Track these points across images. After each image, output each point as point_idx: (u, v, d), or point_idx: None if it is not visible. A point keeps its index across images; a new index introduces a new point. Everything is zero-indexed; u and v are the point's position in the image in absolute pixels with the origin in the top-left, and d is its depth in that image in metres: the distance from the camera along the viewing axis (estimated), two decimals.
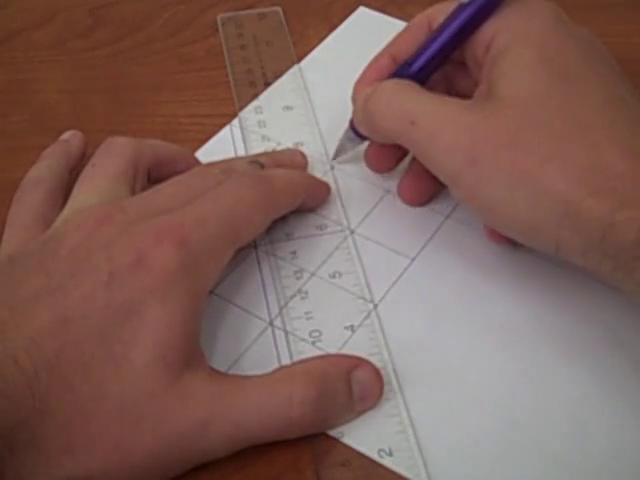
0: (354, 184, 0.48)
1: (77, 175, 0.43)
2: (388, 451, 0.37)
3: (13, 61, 0.57)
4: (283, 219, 0.45)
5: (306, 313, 0.42)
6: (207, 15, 0.60)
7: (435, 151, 0.41)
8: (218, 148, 0.50)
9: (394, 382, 0.39)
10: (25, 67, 0.57)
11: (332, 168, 0.49)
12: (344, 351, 0.40)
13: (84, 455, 0.34)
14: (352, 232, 0.46)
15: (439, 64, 0.45)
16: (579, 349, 0.41)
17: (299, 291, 0.43)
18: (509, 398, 0.39)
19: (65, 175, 0.45)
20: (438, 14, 0.44)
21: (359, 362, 0.39)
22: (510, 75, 0.40)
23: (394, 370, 0.40)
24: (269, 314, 0.42)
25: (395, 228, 0.46)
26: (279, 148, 0.50)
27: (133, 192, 0.42)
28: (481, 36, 0.42)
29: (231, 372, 0.40)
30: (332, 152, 0.49)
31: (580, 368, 0.40)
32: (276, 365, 0.40)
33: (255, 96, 0.53)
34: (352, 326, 0.41)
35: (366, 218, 0.46)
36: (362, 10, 0.59)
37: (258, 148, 0.50)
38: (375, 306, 0.42)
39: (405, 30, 0.47)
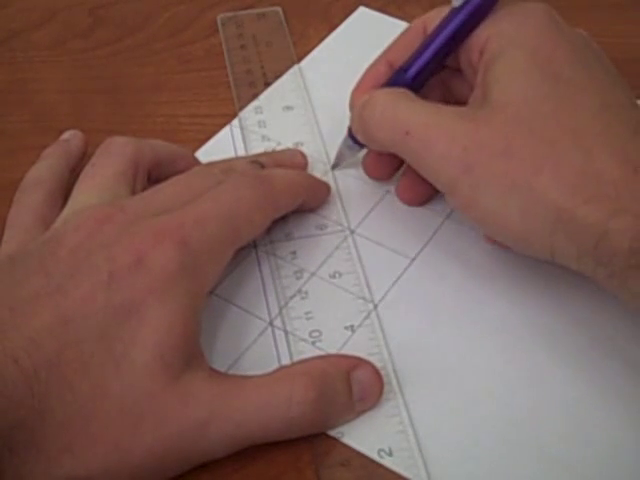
0: (354, 184, 0.48)
1: (77, 175, 0.43)
2: (388, 451, 0.37)
3: (13, 61, 0.57)
4: (283, 219, 0.45)
5: (306, 313, 0.42)
6: (207, 15, 0.60)
7: (430, 160, 0.41)
8: (218, 148, 0.50)
9: (394, 382, 0.39)
10: (25, 67, 0.57)
11: (332, 168, 0.49)
12: (344, 351, 0.40)
13: (84, 455, 0.34)
14: (352, 232, 0.46)
15: (434, 70, 0.45)
16: (577, 350, 0.41)
17: (299, 291, 0.43)
18: (508, 398, 0.39)
19: (65, 175, 0.45)
20: (434, 18, 0.44)
21: (359, 362, 0.39)
22: (503, 80, 0.40)
23: (394, 370, 0.40)
24: (269, 314, 0.42)
25: (395, 228, 0.46)
26: (279, 148, 0.50)
27: (133, 192, 0.42)
28: (475, 40, 0.42)
29: (231, 372, 0.40)
30: (332, 160, 0.49)
31: (578, 369, 0.40)
32: (276, 365, 0.40)
33: (255, 96, 0.53)
34: (352, 326, 0.41)
35: (366, 218, 0.46)
36: (362, 10, 0.59)
37: (258, 148, 0.50)
38: (375, 306, 0.42)
39: (402, 35, 0.47)
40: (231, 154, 0.50)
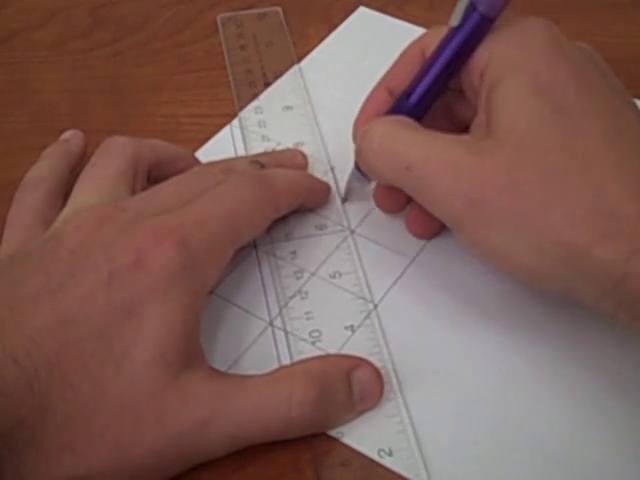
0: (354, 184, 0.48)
1: (77, 175, 0.43)
2: (388, 451, 0.37)
3: (13, 61, 0.57)
4: (283, 219, 0.45)
5: (306, 313, 0.42)
6: (207, 15, 0.60)
7: (434, 196, 0.39)
8: (218, 148, 0.50)
9: (394, 382, 0.39)
10: (25, 67, 0.57)
11: (332, 168, 0.49)
12: (344, 351, 0.40)
13: (84, 454, 0.34)
14: (352, 232, 0.46)
15: (438, 93, 0.43)
16: (579, 349, 0.41)
17: (299, 291, 0.43)
18: (509, 398, 0.39)
19: (65, 175, 0.45)
20: (431, 41, 0.43)
21: (359, 362, 0.39)
22: (504, 109, 0.38)
23: (394, 370, 0.40)
24: (269, 314, 0.42)
25: (395, 228, 0.46)
26: (279, 148, 0.50)
27: (133, 192, 0.42)
28: (475, 62, 0.41)
29: (231, 372, 0.40)
30: (341, 194, 0.47)
31: (580, 368, 0.40)
32: (276, 365, 0.40)
33: (255, 96, 0.53)
34: (352, 326, 0.41)
35: (366, 218, 0.46)
36: (362, 10, 0.59)
37: (258, 148, 0.50)
38: (375, 306, 0.42)
39: (399, 60, 0.45)
40: (231, 154, 0.50)
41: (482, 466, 0.37)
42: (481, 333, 0.41)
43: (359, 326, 0.41)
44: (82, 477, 0.34)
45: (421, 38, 0.44)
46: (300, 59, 0.56)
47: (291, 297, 0.43)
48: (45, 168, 0.45)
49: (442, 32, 0.42)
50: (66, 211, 0.41)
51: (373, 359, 0.39)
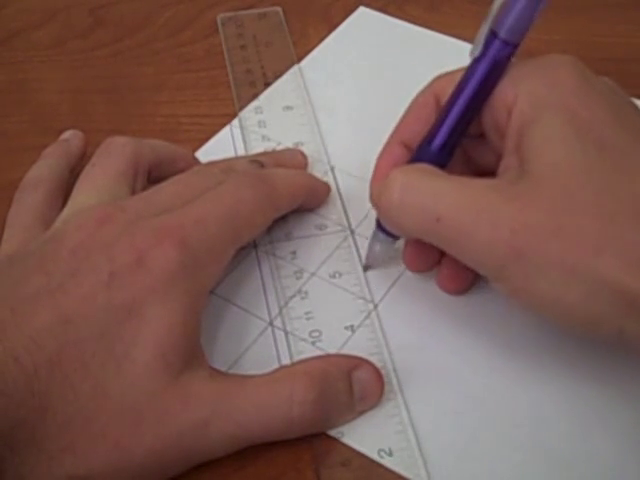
0: (354, 184, 0.48)
1: (77, 175, 0.43)
2: (388, 451, 0.37)
3: (13, 61, 0.57)
4: (283, 219, 0.45)
5: (306, 313, 0.42)
6: (207, 15, 0.60)
7: (470, 248, 0.37)
8: (218, 148, 0.50)
9: (394, 382, 0.39)
10: (25, 67, 0.57)
11: (332, 168, 0.49)
12: (344, 351, 0.40)
13: (85, 454, 0.34)
14: (352, 232, 0.46)
15: (462, 134, 0.40)
16: (580, 349, 0.40)
17: (299, 291, 0.43)
18: (509, 398, 0.39)
19: (65, 175, 0.45)
20: (445, 85, 0.41)
21: (360, 362, 0.39)
22: (543, 150, 0.36)
23: (394, 370, 0.40)
24: (269, 314, 0.42)
25: None
26: (279, 148, 0.50)
27: (133, 192, 0.42)
28: (500, 98, 0.39)
29: (231, 372, 0.40)
30: (363, 262, 0.44)
31: (581, 368, 0.40)
32: (276, 365, 0.40)
33: (255, 96, 0.53)
34: (352, 326, 0.41)
35: (366, 218, 0.46)
36: (362, 10, 0.59)
37: (258, 148, 0.50)
38: (375, 306, 0.42)
39: (410, 110, 0.43)
40: (231, 154, 0.50)
41: (482, 466, 0.37)
42: (481, 333, 0.41)
43: (359, 326, 0.41)
44: (83, 477, 0.34)
45: (432, 84, 0.42)
46: (300, 59, 0.56)
47: (291, 297, 0.43)
48: (45, 168, 0.45)
49: (455, 75, 0.40)
50: (66, 211, 0.41)
51: (373, 359, 0.39)
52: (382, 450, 0.37)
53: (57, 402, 0.34)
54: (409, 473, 0.37)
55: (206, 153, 0.49)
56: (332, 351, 0.40)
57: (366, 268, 0.44)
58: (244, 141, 0.50)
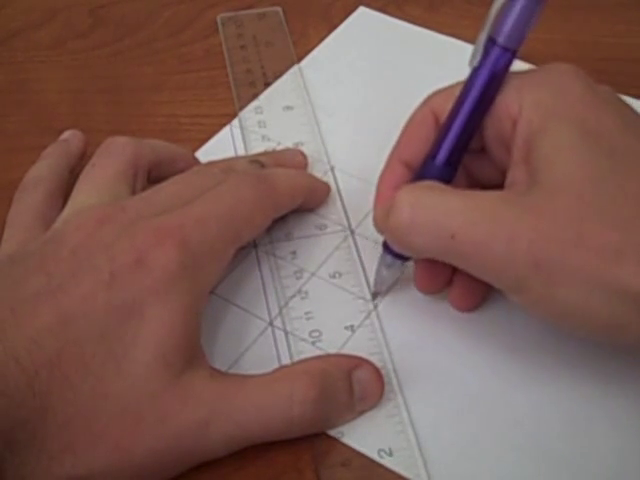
0: (354, 184, 0.48)
1: (77, 175, 0.43)
2: (388, 451, 0.37)
3: (13, 61, 0.57)
4: (283, 219, 0.45)
5: (306, 313, 0.42)
6: (207, 15, 0.60)
7: (488, 262, 0.36)
8: (218, 148, 0.50)
9: (394, 382, 0.39)
10: (25, 67, 0.57)
11: (332, 168, 0.49)
12: (344, 351, 0.40)
13: (85, 454, 0.34)
14: (352, 232, 0.46)
15: (464, 149, 0.40)
16: (580, 349, 0.40)
17: (299, 291, 0.43)
18: (509, 398, 0.39)
19: (65, 175, 0.45)
20: (442, 102, 0.41)
21: (360, 362, 0.39)
22: (554, 160, 0.36)
23: (394, 370, 0.40)
24: (269, 314, 0.42)
25: None
26: (279, 148, 0.50)
27: (133, 192, 0.42)
28: (504, 109, 0.39)
29: (231, 372, 0.40)
30: (371, 288, 0.43)
31: (581, 368, 0.40)
32: (276, 365, 0.40)
33: (255, 96, 0.53)
34: (352, 326, 0.41)
35: (366, 218, 0.46)
36: (362, 10, 0.59)
37: (258, 148, 0.50)
38: (375, 306, 0.42)
39: (408, 129, 0.42)
40: (231, 154, 0.50)
41: (482, 466, 0.37)
42: (481, 333, 0.41)
43: (359, 326, 0.41)
44: (83, 477, 0.34)
45: (428, 101, 0.42)
46: (300, 59, 0.56)
47: (291, 297, 0.43)
48: (45, 168, 0.45)
49: (453, 89, 0.40)
50: (66, 211, 0.41)
51: (373, 359, 0.39)
52: (382, 450, 0.37)
53: (57, 402, 0.34)
54: (409, 473, 0.37)
55: (206, 153, 0.49)
56: (332, 351, 0.40)
57: (375, 295, 0.43)
58: (244, 141, 0.50)
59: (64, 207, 0.41)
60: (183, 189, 0.41)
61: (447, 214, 0.37)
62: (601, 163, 0.36)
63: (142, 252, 0.36)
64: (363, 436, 0.38)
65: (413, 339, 0.41)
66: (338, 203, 0.47)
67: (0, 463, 0.33)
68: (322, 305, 0.42)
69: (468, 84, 0.39)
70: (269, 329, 0.42)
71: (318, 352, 0.40)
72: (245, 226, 0.41)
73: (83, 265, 0.36)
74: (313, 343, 0.41)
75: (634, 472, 0.37)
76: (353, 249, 0.45)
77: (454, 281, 0.41)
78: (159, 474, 0.36)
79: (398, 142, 0.42)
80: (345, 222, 0.46)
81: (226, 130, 0.51)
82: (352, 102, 0.53)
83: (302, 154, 0.48)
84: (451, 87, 0.41)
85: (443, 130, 0.40)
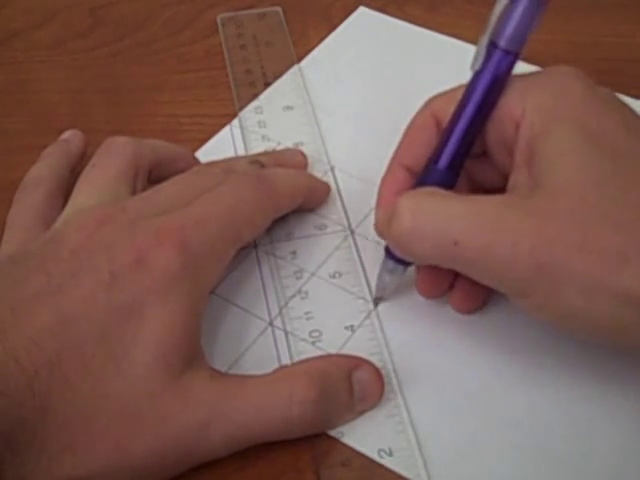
0: (354, 184, 0.48)
1: (78, 175, 0.43)
2: (388, 451, 0.37)
3: (13, 61, 0.57)
4: (283, 219, 0.45)
5: (306, 313, 0.42)
6: (207, 15, 0.60)
7: (491, 267, 0.36)
8: (218, 148, 0.50)
9: (394, 382, 0.39)
10: (25, 67, 0.57)
11: (332, 168, 0.49)
12: (344, 351, 0.40)
13: (85, 454, 0.34)
14: (352, 232, 0.46)
15: (466, 153, 0.40)
16: (580, 350, 0.40)
17: (299, 291, 0.43)
18: (509, 398, 0.39)
19: (65, 175, 0.45)
20: (443, 105, 0.41)
21: (360, 362, 0.39)
22: (557, 163, 0.36)
23: (394, 370, 0.40)
24: (269, 314, 0.42)
25: None
26: (279, 148, 0.50)
27: (134, 192, 0.42)
28: (507, 111, 0.39)
29: (231, 372, 0.40)
30: (373, 293, 0.43)
31: (581, 368, 0.40)
32: (276, 365, 0.40)
33: (255, 96, 0.53)
34: (352, 326, 0.41)
35: (366, 218, 0.46)
36: (362, 10, 0.59)
37: (258, 148, 0.50)
38: (375, 306, 0.42)
39: (409, 134, 0.42)
40: (231, 154, 0.50)
41: (482, 466, 0.37)
42: (482, 333, 0.41)
43: (359, 326, 0.41)
44: (82, 478, 0.34)
45: (429, 105, 0.42)
46: (300, 59, 0.56)
47: (291, 297, 0.43)
48: (45, 168, 0.45)
49: (454, 93, 0.40)
50: (67, 211, 0.41)
51: (373, 359, 0.39)
52: (382, 450, 0.37)
53: (57, 403, 0.34)
54: (409, 473, 0.37)
55: (206, 153, 0.49)
56: (332, 351, 0.40)
57: (377, 301, 0.43)
58: (244, 141, 0.50)
59: (64, 207, 0.41)
60: (183, 189, 0.41)
61: (449, 220, 0.37)
62: (604, 166, 0.36)
63: (142, 252, 0.36)
64: (363, 436, 0.38)
65: (413, 339, 0.41)
66: (338, 203, 0.47)
67: (0, 463, 0.33)
68: (322, 305, 0.42)
69: (470, 87, 0.39)
70: (269, 329, 0.42)
71: (318, 352, 0.40)
72: (245, 226, 0.41)
73: (83, 265, 0.36)
74: (313, 343, 0.41)
75: (634, 472, 0.37)
76: (353, 249, 0.45)
77: (456, 285, 0.41)
78: (159, 474, 0.36)
79: (399, 146, 0.42)
80: (345, 222, 0.46)
81: (226, 130, 0.51)
82: (352, 102, 0.53)
83: (302, 154, 0.48)
84: (452, 90, 0.41)
85: (445, 134, 0.40)
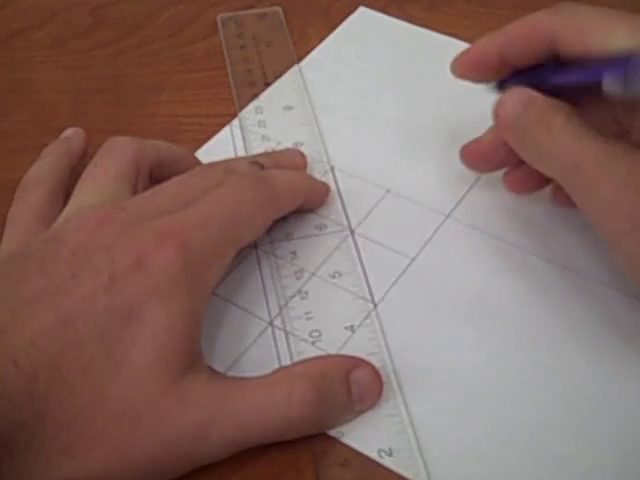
0: (354, 184, 0.48)
1: (78, 173, 0.43)
2: (388, 451, 0.37)
3: (13, 61, 0.57)
4: (283, 219, 0.45)
5: (306, 313, 0.42)
6: (207, 15, 0.60)
7: (596, 205, 0.37)
8: (218, 148, 0.50)
9: (394, 382, 0.39)
10: (25, 67, 0.57)
11: (332, 168, 0.49)
12: (344, 351, 0.40)
13: (83, 457, 0.34)
14: (352, 232, 0.46)
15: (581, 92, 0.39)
16: (582, 349, 0.40)
17: (299, 291, 0.43)
18: (509, 397, 0.39)
19: (66, 173, 0.45)
20: (564, 27, 0.39)
21: (358, 362, 0.39)
22: None
23: (394, 370, 0.40)
24: (269, 314, 0.42)
25: (395, 228, 0.46)
26: (279, 148, 0.50)
27: (135, 192, 0.42)
28: None
29: (231, 372, 0.40)
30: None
31: (583, 368, 0.40)
32: (276, 365, 0.40)
33: (255, 96, 0.53)
34: (352, 326, 0.41)
35: (366, 218, 0.46)
36: (362, 10, 0.59)
37: (258, 148, 0.50)
38: (375, 306, 0.42)
39: (518, 27, 0.41)
40: (231, 154, 0.50)
41: (482, 466, 0.37)
42: (481, 332, 0.41)
43: (359, 326, 0.41)
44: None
45: (549, 18, 0.40)
46: (300, 59, 0.56)
47: (291, 297, 0.43)
48: (46, 166, 0.45)
49: (577, 15, 0.39)
50: (67, 210, 0.41)
51: (373, 359, 0.39)
52: (382, 450, 0.37)
53: (56, 405, 0.34)
54: (409, 473, 0.37)
55: (206, 153, 0.49)
56: (332, 351, 0.40)
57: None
58: (244, 141, 0.50)
59: (65, 206, 0.41)
60: (184, 190, 0.41)
61: (579, 144, 0.37)
62: None
63: (142, 254, 0.36)
64: (363, 436, 0.38)
65: (413, 339, 0.41)
66: (338, 203, 0.47)
67: None
68: (322, 305, 0.42)
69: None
70: (269, 329, 0.42)
71: (318, 352, 0.40)
72: (246, 228, 0.41)
73: (83, 266, 0.36)
74: (313, 343, 0.41)
75: (635, 472, 0.37)
76: (353, 249, 0.45)
77: (515, 166, 0.43)
78: (158, 477, 0.36)
79: (501, 32, 0.41)
80: (345, 222, 0.46)
81: (226, 130, 0.51)
82: (352, 102, 0.53)
83: (301, 154, 0.48)
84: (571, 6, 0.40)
85: (575, 61, 0.39)
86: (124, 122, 0.53)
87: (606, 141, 0.37)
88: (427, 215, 0.46)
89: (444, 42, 0.56)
